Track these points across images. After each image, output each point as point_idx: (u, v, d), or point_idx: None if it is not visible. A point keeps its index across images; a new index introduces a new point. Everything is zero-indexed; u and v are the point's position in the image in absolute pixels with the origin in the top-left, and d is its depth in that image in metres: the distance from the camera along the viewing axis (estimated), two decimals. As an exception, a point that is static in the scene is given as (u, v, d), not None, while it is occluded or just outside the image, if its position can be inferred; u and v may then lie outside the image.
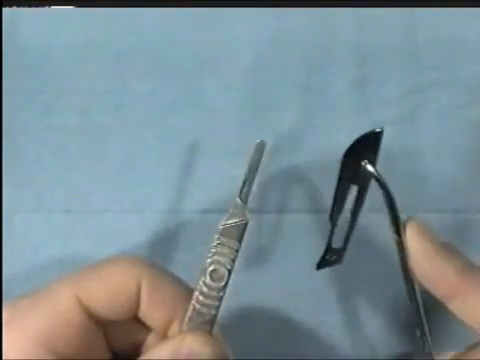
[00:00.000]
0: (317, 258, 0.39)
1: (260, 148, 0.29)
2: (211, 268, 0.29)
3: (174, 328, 0.29)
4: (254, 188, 0.29)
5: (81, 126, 0.39)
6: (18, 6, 0.39)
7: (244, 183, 0.29)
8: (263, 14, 0.39)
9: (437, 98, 0.39)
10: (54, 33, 0.39)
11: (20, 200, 0.39)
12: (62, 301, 0.28)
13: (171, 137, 0.39)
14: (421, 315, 0.28)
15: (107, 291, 0.29)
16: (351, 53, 0.39)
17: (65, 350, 0.28)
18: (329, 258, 0.30)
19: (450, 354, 0.30)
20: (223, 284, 0.29)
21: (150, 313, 0.30)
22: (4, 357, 0.27)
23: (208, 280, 0.29)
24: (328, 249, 0.30)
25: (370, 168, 0.28)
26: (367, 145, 0.28)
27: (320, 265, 0.30)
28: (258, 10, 0.39)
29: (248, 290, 0.38)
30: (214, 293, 0.29)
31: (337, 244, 0.30)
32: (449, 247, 0.28)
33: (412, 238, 0.28)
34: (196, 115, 0.39)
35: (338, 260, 0.30)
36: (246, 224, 0.29)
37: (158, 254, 0.39)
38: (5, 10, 0.38)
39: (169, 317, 0.29)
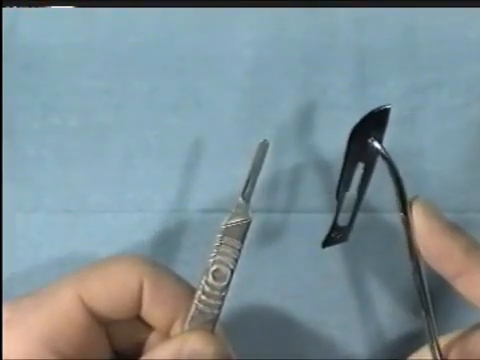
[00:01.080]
0: (317, 257, 0.39)
1: (263, 147, 0.29)
2: (214, 268, 0.29)
3: (176, 327, 0.30)
4: (256, 187, 0.29)
5: (81, 126, 0.39)
6: (18, 6, 0.39)
7: (247, 182, 0.29)
8: (263, 14, 0.39)
9: (437, 98, 0.39)
10: (54, 33, 0.39)
11: (20, 200, 0.39)
12: (64, 301, 0.28)
13: (171, 137, 0.39)
14: (426, 293, 0.28)
15: (109, 290, 0.29)
16: (351, 53, 0.39)
17: (67, 350, 0.28)
18: (335, 236, 0.30)
19: (453, 334, 0.30)
20: (225, 283, 0.29)
21: (152, 312, 0.30)
22: (6, 357, 0.27)
23: (210, 279, 0.29)
24: (334, 227, 0.30)
25: (377, 145, 0.28)
26: (374, 122, 0.28)
27: (326, 243, 0.30)
28: (258, 10, 0.39)
29: (249, 290, 0.38)
30: (216, 292, 0.29)
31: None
32: (455, 226, 0.28)
33: (418, 216, 0.27)
34: (196, 115, 0.39)
35: (344, 238, 0.30)
36: (249, 223, 0.29)
37: (159, 254, 0.39)
38: (5, 10, 0.38)
39: (171, 316, 0.29)
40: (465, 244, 0.27)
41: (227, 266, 0.29)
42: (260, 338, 0.39)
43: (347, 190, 0.29)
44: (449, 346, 0.29)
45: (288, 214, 0.39)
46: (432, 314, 0.28)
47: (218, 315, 0.29)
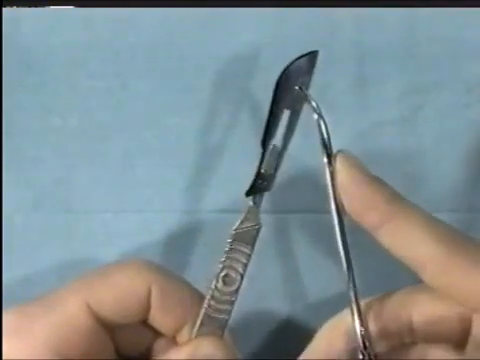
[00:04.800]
0: (317, 257, 0.39)
1: (274, 152, 0.29)
2: (223, 273, 0.29)
3: (184, 333, 0.29)
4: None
5: (81, 126, 0.39)
6: (18, 6, 0.39)
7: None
8: (263, 14, 0.39)
9: (437, 98, 0.39)
10: (54, 33, 0.39)
11: (20, 200, 0.39)
12: (71, 307, 0.28)
13: (171, 137, 0.39)
14: (348, 252, 0.28)
15: (116, 297, 0.29)
16: (351, 53, 0.39)
17: (73, 355, 0.28)
18: (259, 184, 0.29)
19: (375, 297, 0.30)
20: (235, 288, 0.29)
21: (160, 318, 0.29)
22: None
23: (220, 285, 0.29)
24: (258, 175, 0.29)
25: (303, 92, 0.28)
26: (302, 68, 0.28)
27: (249, 192, 0.29)
28: (258, 10, 0.39)
29: (249, 290, 0.38)
30: (226, 297, 0.29)
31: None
32: (378, 178, 0.28)
33: (342, 167, 0.28)
34: (196, 115, 0.39)
35: (268, 187, 0.30)
36: (259, 229, 0.29)
37: (158, 254, 0.39)
38: (5, 10, 0.38)
39: (179, 322, 0.29)
40: (388, 194, 0.27)
41: (237, 271, 0.29)
42: (260, 338, 0.39)
43: (273, 137, 0.29)
44: (368, 307, 0.29)
45: (288, 214, 0.39)
46: (353, 272, 0.28)
47: (227, 320, 0.29)
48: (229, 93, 0.39)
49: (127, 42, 0.39)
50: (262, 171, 0.29)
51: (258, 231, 0.29)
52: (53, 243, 0.39)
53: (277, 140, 0.29)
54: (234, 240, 0.29)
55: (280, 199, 0.39)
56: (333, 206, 0.28)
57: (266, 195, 0.39)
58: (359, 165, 0.28)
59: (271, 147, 0.29)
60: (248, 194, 0.29)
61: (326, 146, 0.28)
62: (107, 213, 0.39)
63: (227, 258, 0.29)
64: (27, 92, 0.39)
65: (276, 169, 0.29)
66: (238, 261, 0.29)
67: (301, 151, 0.39)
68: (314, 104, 0.28)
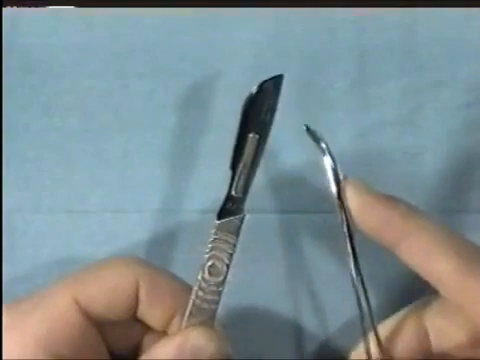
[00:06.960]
0: (317, 257, 0.39)
1: (253, 142, 0.29)
2: (209, 263, 0.29)
3: (174, 326, 0.30)
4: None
5: (81, 126, 0.39)
6: (18, 6, 0.39)
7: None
8: (263, 14, 0.39)
9: (437, 98, 0.39)
10: (54, 33, 0.39)
11: (20, 200, 0.39)
12: (60, 303, 0.29)
13: (171, 137, 0.39)
14: (363, 282, 0.29)
15: (105, 292, 0.29)
16: (351, 53, 0.39)
17: (63, 351, 0.28)
18: (229, 208, 0.30)
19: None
20: (222, 279, 0.29)
21: (149, 312, 0.30)
22: (4, 358, 0.27)
23: (207, 275, 0.29)
24: (228, 198, 0.29)
25: (271, 116, 0.29)
26: (269, 92, 0.29)
27: (220, 215, 0.29)
28: (258, 10, 0.39)
29: (249, 290, 0.38)
30: (213, 288, 0.29)
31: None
32: (390, 196, 0.28)
33: (351, 193, 0.28)
34: (196, 115, 0.39)
35: (239, 210, 0.30)
36: (243, 218, 0.29)
37: (158, 254, 0.39)
38: (5, 10, 0.38)
39: (169, 315, 0.30)
40: (403, 209, 0.28)
41: (223, 261, 0.29)
42: (260, 338, 0.39)
43: (241, 160, 0.29)
44: (384, 331, 0.30)
45: (287, 214, 0.39)
46: (369, 301, 0.29)
47: (216, 311, 0.29)
48: (229, 93, 0.39)
49: (127, 42, 0.39)
50: (232, 194, 0.29)
51: (242, 220, 0.29)
52: (53, 243, 0.39)
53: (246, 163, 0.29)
54: (218, 230, 0.29)
55: (279, 199, 0.39)
56: (346, 233, 0.28)
57: (265, 195, 0.39)
58: (367, 187, 0.28)
59: (240, 170, 0.29)
60: (219, 217, 0.29)
61: (336, 177, 0.29)
62: (107, 213, 0.39)
63: (212, 249, 0.29)
64: (27, 92, 0.39)
65: (245, 192, 0.30)
66: (224, 251, 0.29)
67: (301, 151, 0.39)
68: (323, 145, 0.29)
